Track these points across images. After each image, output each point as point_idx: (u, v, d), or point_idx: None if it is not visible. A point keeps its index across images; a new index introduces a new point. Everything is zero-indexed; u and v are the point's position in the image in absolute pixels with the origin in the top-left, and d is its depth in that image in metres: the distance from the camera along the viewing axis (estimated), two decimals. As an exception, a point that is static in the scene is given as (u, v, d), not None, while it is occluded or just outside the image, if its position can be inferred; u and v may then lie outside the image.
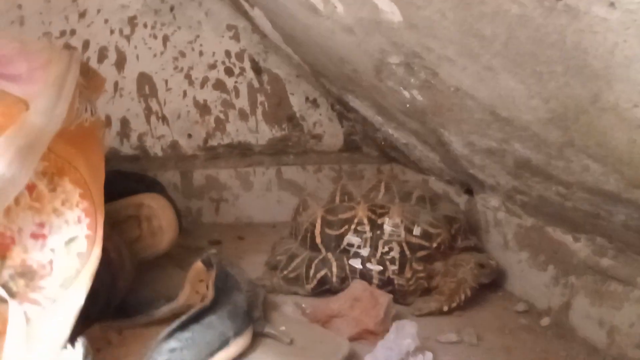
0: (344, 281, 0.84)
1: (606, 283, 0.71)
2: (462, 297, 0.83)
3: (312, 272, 0.86)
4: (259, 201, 1.20)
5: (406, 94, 0.74)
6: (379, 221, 0.86)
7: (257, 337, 0.70)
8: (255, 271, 0.93)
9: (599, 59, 0.37)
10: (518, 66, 0.45)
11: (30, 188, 0.48)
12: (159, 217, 0.79)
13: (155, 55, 1.15)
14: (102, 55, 1.13)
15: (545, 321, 0.79)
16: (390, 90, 0.79)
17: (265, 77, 1.21)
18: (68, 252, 0.47)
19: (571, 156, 0.54)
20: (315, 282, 0.85)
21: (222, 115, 1.21)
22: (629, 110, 0.40)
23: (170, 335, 0.59)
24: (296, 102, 1.24)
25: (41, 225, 0.47)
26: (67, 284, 0.45)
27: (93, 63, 1.12)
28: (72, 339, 0.47)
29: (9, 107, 0.50)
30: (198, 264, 0.65)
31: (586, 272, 0.74)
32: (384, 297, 0.77)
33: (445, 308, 0.82)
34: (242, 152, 1.23)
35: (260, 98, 1.22)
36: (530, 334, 0.77)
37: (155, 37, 1.15)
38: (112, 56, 1.14)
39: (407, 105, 0.78)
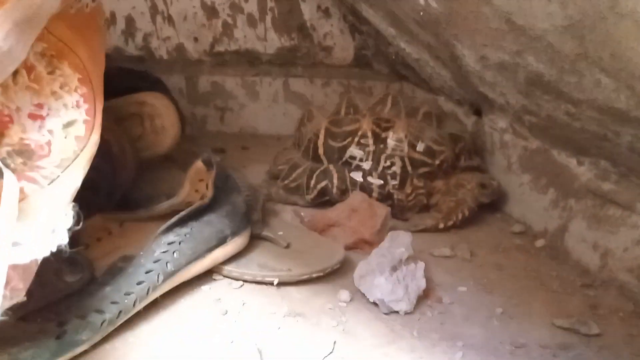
0: (344, 193, 0.84)
1: (605, 207, 0.72)
2: (460, 216, 0.83)
3: (312, 182, 0.86)
4: (265, 112, 1.19)
5: (421, 0, 0.71)
6: (383, 135, 0.85)
7: (255, 240, 0.71)
8: (258, 180, 0.94)
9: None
10: (540, -35, 0.43)
11: (29, 69, 0.47)
12: (161, 116, 0.79)
13: (163, -51, 1.10)
14: (107, -53, 1.08)
15: (540, 242, 0.80)
16: (405, -3, 0.75)
17: (276, -19, 1.16)
18: (66, 135, 0.47)
19: (584, 70, 0.52)
20: (315, 192, 0.86)
21: (230, 20, 1.17)
22: (650, 15, 0.38)
23: (169, 229, 0.60)
24: (307, 11, 1.19)
25: (39, 106, 0.47)
26: (65, 165, 0.45)
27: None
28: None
29: (6, -17, 0.48)
30: (198, 163, 0.65)
31: (586, 196, 0.74)
32: (382, 209, 0.78)
33: (441, 226, 0.82)
34: (249, 60, 1.20)
35: (270, 4, 1.17)
36: (523, 253, 0.78)
37: None
38: (118, -52, 1.09)
39: (421, 14, 0.74)
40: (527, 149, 0.85)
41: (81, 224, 0.41)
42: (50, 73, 0.49)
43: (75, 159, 0.45)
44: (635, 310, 0.66)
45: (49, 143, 0.46)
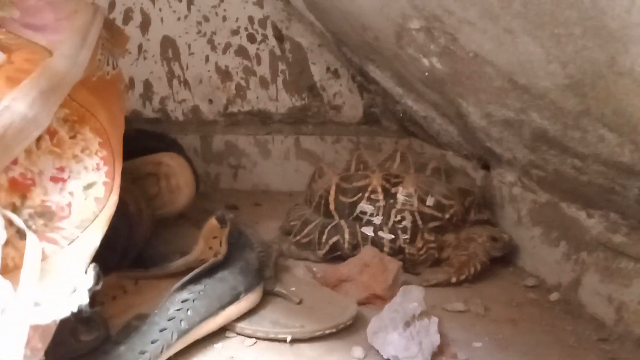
0: (355, 248, 0.85)
1: (617, 260, 0.71)
2: (472, 270, 0.83)
3: (324, 238, 0.87)
4: (277, 169, 1.21)
5: (426, 62, 0.74)
6: (393, 190, 0.87)
7: (268, 296, 0.72)
8: (270, 236, 0.95)
9: (615, 19, 0.37)
10: (537, 28, 0.45)
11: (52, 133, 0.50)
12: (177, 175, 0.81)
13: (179, 19, 1.16)
14: (127, 16, 1.14)
15: (554, 296, 0.80)
16: (410, 58, 0.78)
17: (287, 45, 1.21)
18: (86, 197, 0.48)
19: (587, 126, 0.54)
20: (327, 247, 0.87)
21: (243, 82, 1.22)
22: (645, 74, 0.39)
23: (183, 286, 0.61)
24: (317, 72, 1.24)
25: (61, 169, 0.49)
26: (84, 226, 0.46)
27: (118, 24, 1.14)
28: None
29: (33, 54, 0.51)
30: (212, 221, 0.67)
31: (597, 249, 0.74)
32: (393, 264, 0.78)
33: (454, 280, 0.82)
34: (261, 119, 1.24)
35: (282, 66, 1.22)
36: (537, 308, 0.78)
37: (179, 0, 1.16)
38: (137, 18, 1.15)
39: (427, 74, 0.77)
40: (536, 202, 0.86)
41: (100, 283, 0.42)
42: (72, 137, 0.51)
43: (94, 219, 0.47)
44: (654, 365, 0.64)
45: (69, 205, 0.47)
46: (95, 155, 0.51)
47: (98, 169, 0.51)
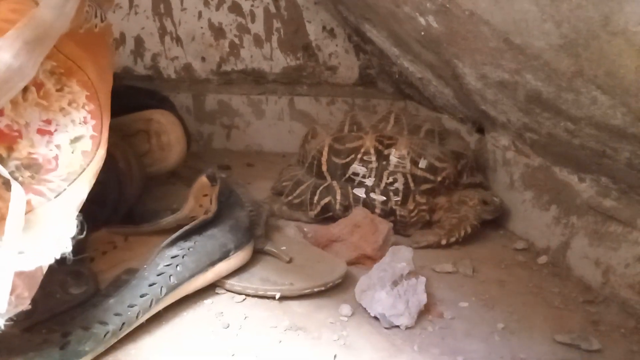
0: (347, 209, 0.85)
1: (606, 224, 0.72)
2: (462, 233, 0.84)
3: (316, 198, 0.87)
4: (270, 130, 1.21)
5: (422, 20, 0.73)
6: (386, 152, 0.86)
7: (258, 254, 0.72)
8: (262, 196, 0.95)
9: (613, -25, 0.36)
10: (533, -15, 0.44)
11: (39, 86, 0.49)
12: (167, 132, 0.80)
13: (171, -27, 1.14)
14: (118, -30, 1.12)
15: (542, 259, 0.80)
16: (406, 16, 0.77)
17: (282, 2, 1.18)
18: (73, 150, 0.48)
19: (581, 87, 0.53)
20: (318, 208, 0.87)
21: (236, 40, 1.19)
22: (638, 33, 0.39)
23: (172, 243, 0.61)
24: (313, 31, 1.21)
25: (48, 122, 0.48)
26: (71, 179, 0.46)
27: (109, -22, 1.11)
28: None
29: (19, 4, 0.50)
30: (202, 179, 0.66)
31: (588, 213, 0.75)
32: (384, 225, 0.78)
33: (444, 242, 0.83)
34: (255, 79, 1.22)
35: (277, 24, 1.20)
36: (525, 270, 0.79)
37: (172, -47, 1.13)
38: (129, -28, 1.12)
39: (423, 34, 0.76)
40: (529, 166, 0.85)
41: (84, 233, 0.42)
42: (59, 90, 0.50)
43: (81, 173, 0.47)
44: (637, 326, 0.66)
45: (56, 157, 0.47)
46: (83, 108, 0.51)
47: (85, 122, 0.50)
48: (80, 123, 0.50)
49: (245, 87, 1.21)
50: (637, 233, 0.67)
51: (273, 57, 1.22)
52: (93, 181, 0.47)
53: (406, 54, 0.96)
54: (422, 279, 0.66)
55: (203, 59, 1.19)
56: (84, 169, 0.47)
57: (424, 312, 0.65)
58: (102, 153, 0.49)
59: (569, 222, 0.78)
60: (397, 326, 0.62)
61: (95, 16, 0.59)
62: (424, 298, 0.65)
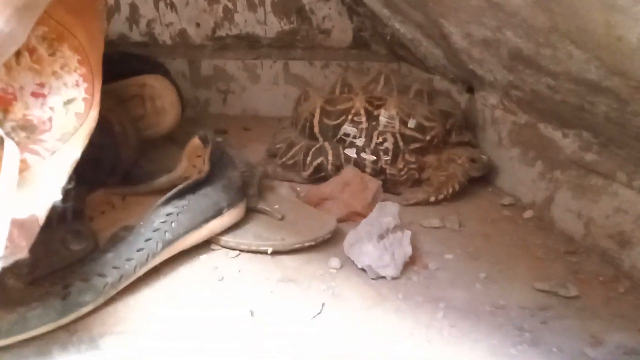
0: (338, 169, 0.87)
1: (588, 177, 0.74)
2: (450, 190, 0.86)
3: (309, 159, 0.89)
4: (266, 94, 1.22)
5: (407, -20, 0.74)
6: (376, 112, 0.88)
7: (252, 213, 0.75)
8: (258, 158, 0.97)
9: None
10: (503, -59, 0.45)
11: (31, 50, 0.51)
12: (162, 97, 0.82)
13: (163, -63, 1.13)
14: (109, -64, 1.12)
15: (527, 214, 0.83)
16: (392, -23, 0.78)
17: (275, -34, 1.19)
18: (66, 112, 0.50)
19: (556, 42, 0.55)
20: (311, 169, 0.89)
21: (230, 5, 1.20)
22: (603, -14, 0.40)
23: (167, 201, 0.64)
24: (306, -6, 1.22)
25: (41, 85, 0.50)
26: (65, 139, 0.48)
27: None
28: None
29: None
30: (195, 140, 0.69)
31: (571, 167, 0.77)
32: (373, 183, 0.81)
33: (432, 199, 0.85)
34: (249, 43, 1.23)
35: (270, -12, 1.20)
36: (511, 224, 0.81)
37: None
38: (120, -64, 1.12)
39: (409, -7, 0.77)
40: (516, 123, 0.87)
41: (72, 183, 0.45)
42: (51, 55, 0.52)
43: (75, 133, 0.49)
44: (616, 274, 0.68)
45: (50, 119, 0.49)
46: (74, 72, 0.53)
47: (77, 85, 0.52)
48: (72, 86, 0.52)
49: (240, 52, 1.22)
50: (617, 185, 0.70)
51: (267, 22, 1.23)
52: (86, 141, 0.50)
53: (396, 15, 0.97)
54: (408, 233, 0.69)
55: (197, 24, 1.20)
56: (77, 130, 0.49)
57: (410, 263, 0.68)
58: (94, 114, 0.52)
59: (553, 177, 0.80)
60: (383, 277, 0.65)
61: (84, -19, 0.60)
62: (409, 250, 0.67)
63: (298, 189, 0.88)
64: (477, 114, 0.97)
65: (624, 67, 0.49)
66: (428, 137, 0.88)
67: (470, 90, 0.99)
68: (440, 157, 0.90)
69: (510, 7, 0.57)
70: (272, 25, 1.23)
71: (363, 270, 0.66)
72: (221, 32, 1.22)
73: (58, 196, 0.44)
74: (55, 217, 0.52)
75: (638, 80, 0.49)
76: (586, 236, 0.74)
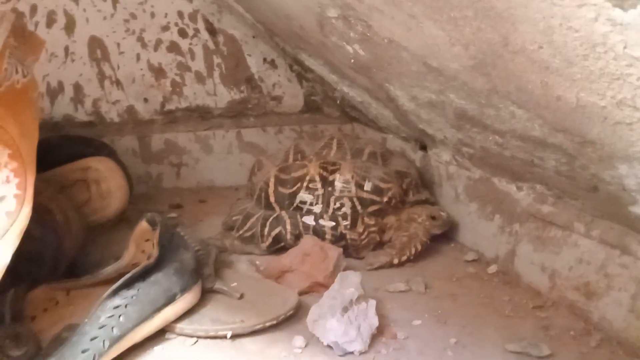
0: (298, 238, 0.85)
1: (547, 229, 0.74)
2: (413, 250, 0.85)
3: (266, 230, 0.87)
4: (220, 164, 1.20)
5: (349, 49, 0.74)
6: (331, 178, 0.87)
7: (208, 294, 0.71)
8: (214, 232, 0.94)
9: (501, 0, 0.38)
10: (435, 12, 0.46)
11: (-44, 148, 0.48)
12: (107, 179, 0.79)
13: (105, 18, 1.13)
14: (50, 19, 1.10)
15: (492, 268, 0.82)
16: (335, 46, 0.79)
17: (220, 38, 1.20)
18: (-4, 212, 0.47)
19: (498, 103, 0.55)
20: (270, 240, 0.87)
21: (178, 79, 1.19)
22: (536, 51, 0.40)
23: (114, 293, 0.60)
24: (254, 64, 1.23)
25: (-32, 185, 0.47)
26: (-6, 242, 0.45)
27: (42, 28, 1.10)
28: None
29: None
30: (142, 223, 0.66)
31: (529, 220, 0.77)
32: (333, 251, 0.79)
33: (396, 261, 0.84)
34: (201, 115, 1.22)
35: (217, 60, 1.20)
36: (477, 281, 0.80)
37: (104, -1, 1.13)
38: (61, 20, 1.11)
39: (352, 61, 0.78)
40: (471, 178, 0.88)
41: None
42: (-22, 151, 0.49)
43: (4, 235, 0.46)
44: (586, 327, 0.67)
45: (-23, 220, 0.46)
46: (5, 168, 0.50)
47: (8, 181, 0.49)
48: (2, 183, 0.49)
49: (191, 124, 1.21)
50: (576, 236, 0.69)
51: (217, 92, 1.22)
52: (18, 241, 0.46)
53: (343, 80, 0.98)
54: (372, 302, 0.66)
55: (145, 99, 1.19)
56: (7, 230, 0.46)
57: (378, 334, 0.65)
58: (26, 211, 0.48)
59: (513, 230, 0.79)
60: (351, 352, 0.62)
61: (17, 72, 0.58)
62: (375, 321, 0.65)
63: (257, 262, 0.85)
64: (432, 171, 0.97)
65: (566, 124, 0.49)
66: (386, 199, 0.87)
67: (424, 147, 1.00)
68: (400, 217, 0.89)
69: (448, 72, 0.58)
70: (222, 96, 1.23)
71: (329, 347, 0.63)
72: (170, 106, 1.21)
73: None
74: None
75: (582, 136, 0.49)
76: (552, 289, 0.73)
